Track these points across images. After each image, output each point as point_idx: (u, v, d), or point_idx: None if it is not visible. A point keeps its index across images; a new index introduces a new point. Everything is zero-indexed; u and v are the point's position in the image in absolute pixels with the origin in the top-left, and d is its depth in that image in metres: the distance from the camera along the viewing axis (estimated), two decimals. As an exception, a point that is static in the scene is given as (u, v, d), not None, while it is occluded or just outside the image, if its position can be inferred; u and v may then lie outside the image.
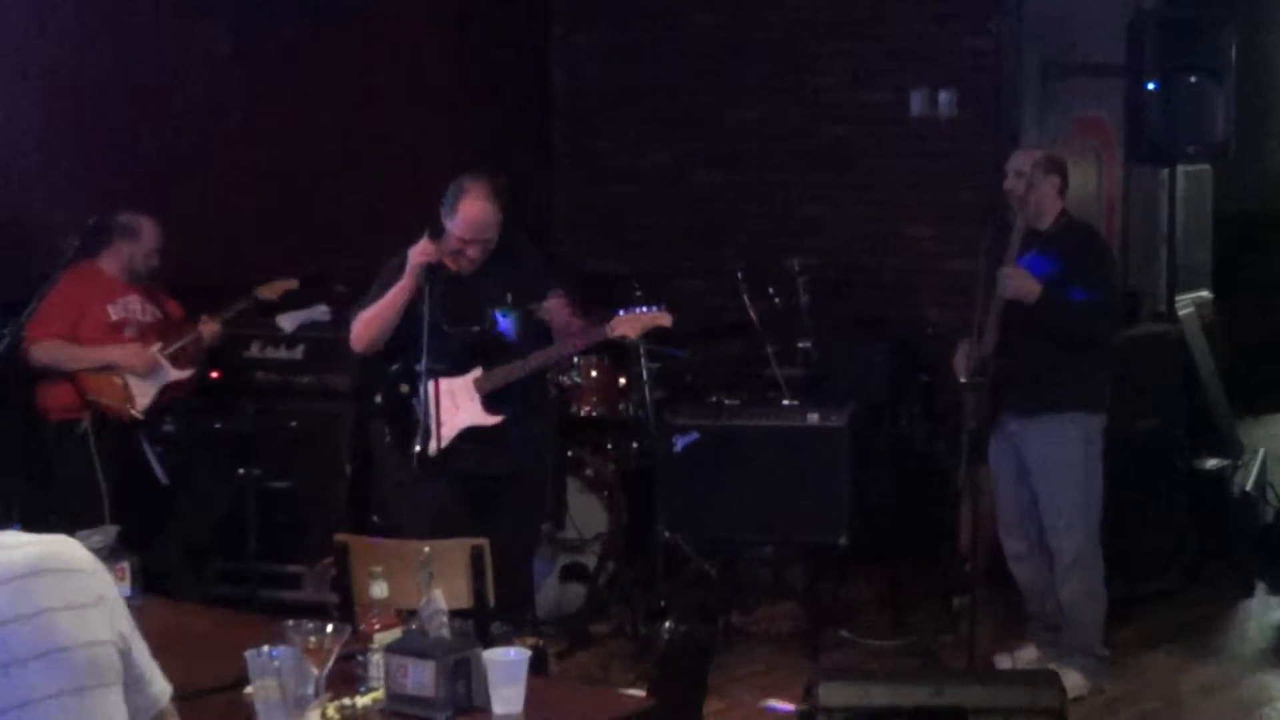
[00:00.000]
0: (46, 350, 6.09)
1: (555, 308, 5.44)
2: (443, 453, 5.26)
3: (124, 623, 1.98)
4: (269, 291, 6.50)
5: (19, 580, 1.85)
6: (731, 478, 6.44)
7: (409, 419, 5.36)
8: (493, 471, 5.35)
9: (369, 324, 5.38)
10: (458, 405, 5.33)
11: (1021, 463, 5.90)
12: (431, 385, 5.19)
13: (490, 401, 5.35)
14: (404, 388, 5.42)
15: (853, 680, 4.73)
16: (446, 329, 5.28)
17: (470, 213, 5.29)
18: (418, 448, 5.26)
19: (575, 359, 6.71)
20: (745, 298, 7.02)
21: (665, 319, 5.34)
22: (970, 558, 6.18)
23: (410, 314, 5.31)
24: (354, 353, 5.60)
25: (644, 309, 5.35)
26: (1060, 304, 5.69)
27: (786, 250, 7.50)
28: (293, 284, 6.58)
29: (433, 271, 5.22)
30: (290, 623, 3.17)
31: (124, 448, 6.15)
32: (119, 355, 6.15)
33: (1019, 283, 5.68)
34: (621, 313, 5.33)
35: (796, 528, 6.46)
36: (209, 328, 6.35)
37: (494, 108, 8.60)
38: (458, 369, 5.34)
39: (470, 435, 5.30)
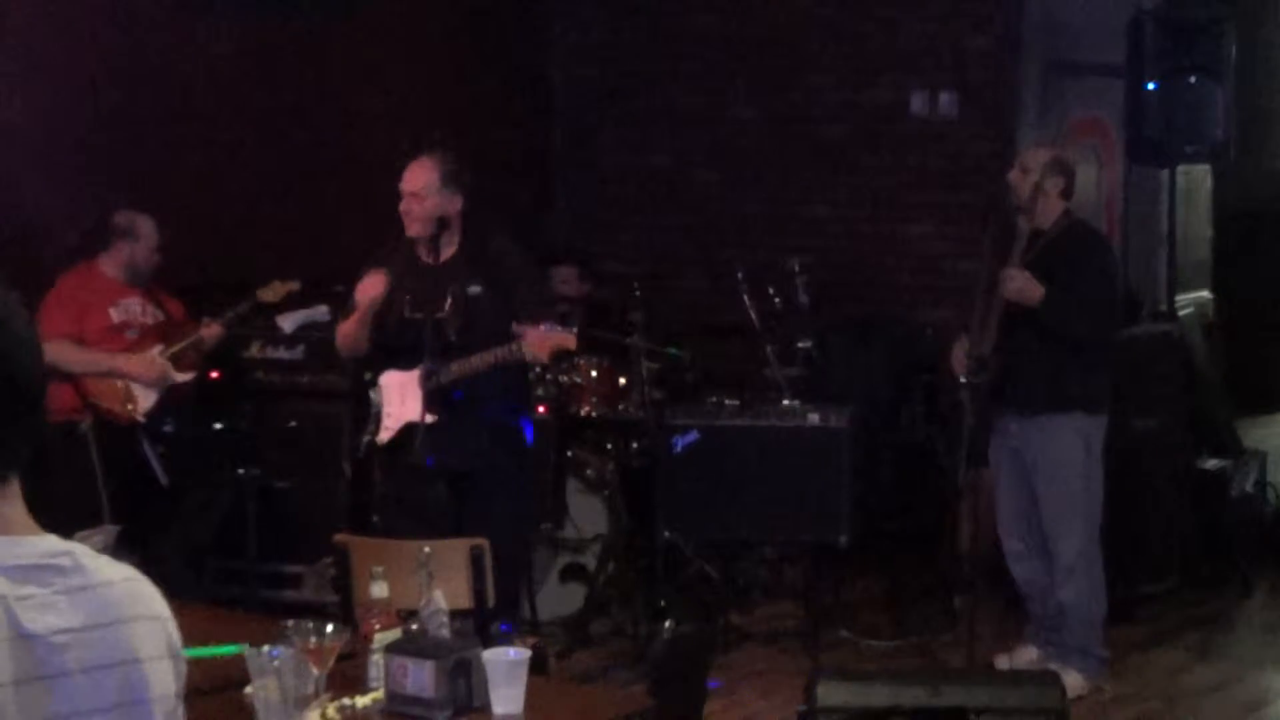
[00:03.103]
0: (54, 350, 6.09)
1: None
2: (390, 444, 5.27)
3: (183, 679, 1.83)
4: (270, 294, 6.49)
5: (118, 625, 1.72)
6: (731, 478, 6.43)
7: (367, 407, 5.45)
8: (447, 468, 5.28)
9: (342, 339, 5.53)
10: (404, 399, 5.33)
11: (1022, 463, 5.90)
12: (386, 376, 5.32)
13: (431, 399, 5.30)
14: (367, 375, 5.52)
15: (853, 680, 4.73)
16: (407, 315, 5.31)
17: (405, 174, 5.39)
18: (367, 436, 5.36)
19: (578, 360, 6.74)
20: (745, 298, 7.01)
21: (570, 341, 5.22)
22: (970, 558, 6.19)
23: (386, 309, 5.37)
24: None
25: (557, 329, 5.17)
26: (1061, 305, 5.69)
27: (786, 250, 7.50)
28: (294, 286, 6.57)
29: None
30: (290, 623, 3.17)
31: (124, 448, 6.14)
32: (128, 368, 6.14)
33: (1021, 284, 5.68)
34: (543, 327, 5.14)
35: (796, 528, 6.46)
36: (211, 330, 6.34)
37: (494, 107, 8.60)
38: (413, 361, 5.32)
39: (414, 430, 5.25)
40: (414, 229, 5.38)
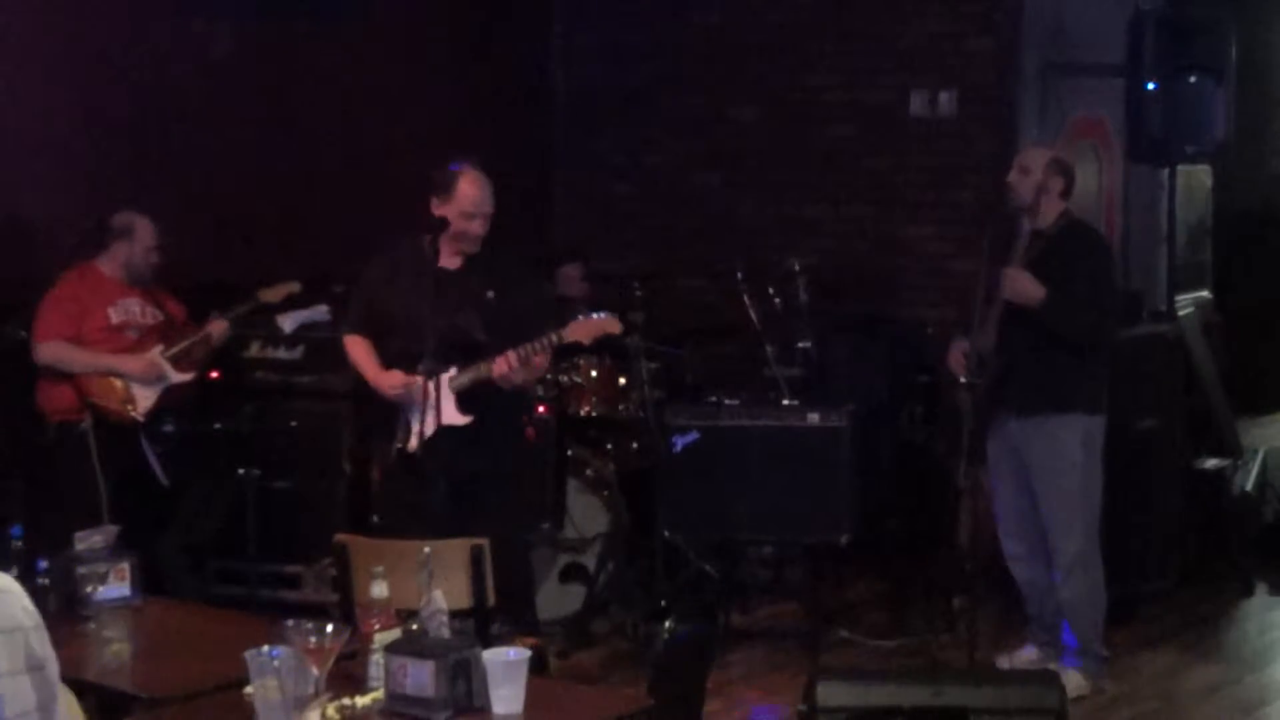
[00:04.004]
0: (52, 350, 6.10)
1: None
2: (422, 449, 5.26)
3: (51, 685, 1.78)
4: (271, 294, 6.49)
5: None
6: (731, 478, 6.43)
7: (392, 413, 5.39)
8: (469, 470, 5.30)
9: (354, 366, 5.54)
10: (431, 403, 5.30)
11: (1021, 463, 5.90)
12: (421, 381, 5.22)
13: (464, 401, 5.32)
14: None
15: (853, 680, 4.73)
16: (418, 318, 5.29)
17: (471, 188, 5.36)
18: (399, 444, 5.32)
19: (578, 360, 6.75)
20: (745, 298, 7.02)
21: (614, 325, 5.35)
22: (970, 558, 6.19)
23: (401, 312, 5.35)
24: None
25: (598, 315, 5.36)
26: (1061, 305, 5.69)
27: (786, 250, 7.50)
28: (295, 287, 6.57)
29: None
30: (290, 623, 3.17)
31: (124, 448, 6.15)
32: (127, 367, 6.15)
33: (1021, 284, 5.68)
34: (581, 318, 5.35)
35: (796, 528, 6.46)
36: (218, 326, 6.34)
37: (494, 108, 8.60)
38: (436, 365, 5.30)
39: (446, 434, 5.26)
40: (475, 246, 5.38)
